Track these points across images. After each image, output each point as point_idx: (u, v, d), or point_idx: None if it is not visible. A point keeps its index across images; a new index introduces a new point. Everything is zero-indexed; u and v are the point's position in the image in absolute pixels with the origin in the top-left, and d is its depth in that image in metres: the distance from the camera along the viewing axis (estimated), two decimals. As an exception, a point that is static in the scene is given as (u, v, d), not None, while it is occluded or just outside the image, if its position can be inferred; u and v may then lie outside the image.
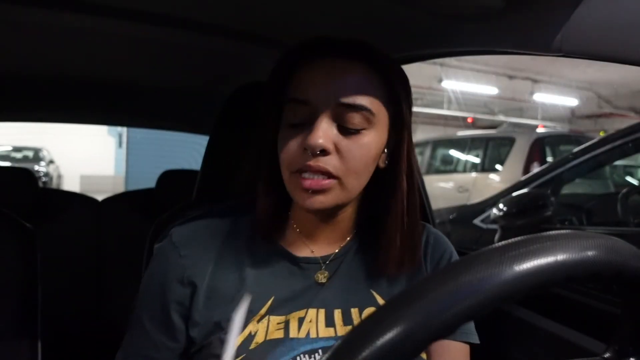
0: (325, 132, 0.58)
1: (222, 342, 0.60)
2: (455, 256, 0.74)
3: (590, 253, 0.32)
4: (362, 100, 0.59)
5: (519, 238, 0.33)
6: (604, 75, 9.02)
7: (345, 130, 0.59)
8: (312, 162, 0.58)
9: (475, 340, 0.69)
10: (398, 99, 0.63)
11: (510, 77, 9.74)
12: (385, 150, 0.65)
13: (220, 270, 0.65)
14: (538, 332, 0.85)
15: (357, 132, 0.59)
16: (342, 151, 0.59)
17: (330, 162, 0.58)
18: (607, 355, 0.42)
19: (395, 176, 0.64)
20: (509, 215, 1.92)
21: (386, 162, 0.65)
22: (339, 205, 0.63)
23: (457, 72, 9.22)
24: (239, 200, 0.72)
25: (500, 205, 1.97)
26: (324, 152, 0.58)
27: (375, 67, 0.62)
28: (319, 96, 0.59)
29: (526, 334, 0.88)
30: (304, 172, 0.59)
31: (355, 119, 0.59)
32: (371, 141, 0.60)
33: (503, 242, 0.32)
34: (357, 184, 0.62)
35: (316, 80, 0.60)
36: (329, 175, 0.59)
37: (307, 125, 0.60)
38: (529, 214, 1.86)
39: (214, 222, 0.69)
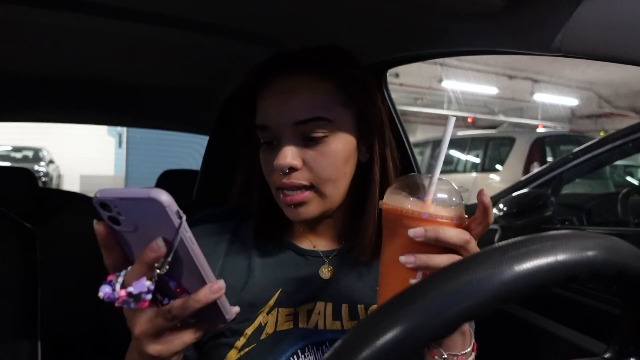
0: (289, 151, 0.62)
1: (232, 332, 0.63)
2: None
3: (590, 253, 0.32)
4: (315, 112, 0.62)
5: (519, 238, 0.33)
6: (604, 75, 9.02)
7: (309, 140, 0.63)
8: (285, 180, 0.63)
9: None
10: (356, 99, 0.65)
11: (510, 77, 9.73)
12: (362, 145, 0.68)
13: (229, 262, 0.68)
14: (538, 332, 0.85)
15: (320, 140, 0.63)
16: (310, 163, 0.63)
17: (301, 177, 0.63)
18: (607, 355, 0.42)
19: (370, 168, 0.67)
20: (509, 215, 1.92)
21: (367, 155, 0.68)
22: (324, 212, 0.66)
23: (457, 72, 9.21)
24: (239, 203, 0.74)
25: (500, 205, 1.96)
26: (293, 169, 0.62)
27: (325, 75, 0.64)
28: (276, 121, 0.63)
29: (526, 334, 0.88)
30: (282, 189, 0.63)
31: (315, 130, 0.62)
32: (336, 146, 0.63)
33: (503, 242, 0.32)
34: (334, 189, 0.65)
35: (271, 105, 0.64)
36: (305, 187, 0.63)
37: (276, 144, 0.64)
38: (529, 214, 1.86)
39: (220, 220, 0.73)
